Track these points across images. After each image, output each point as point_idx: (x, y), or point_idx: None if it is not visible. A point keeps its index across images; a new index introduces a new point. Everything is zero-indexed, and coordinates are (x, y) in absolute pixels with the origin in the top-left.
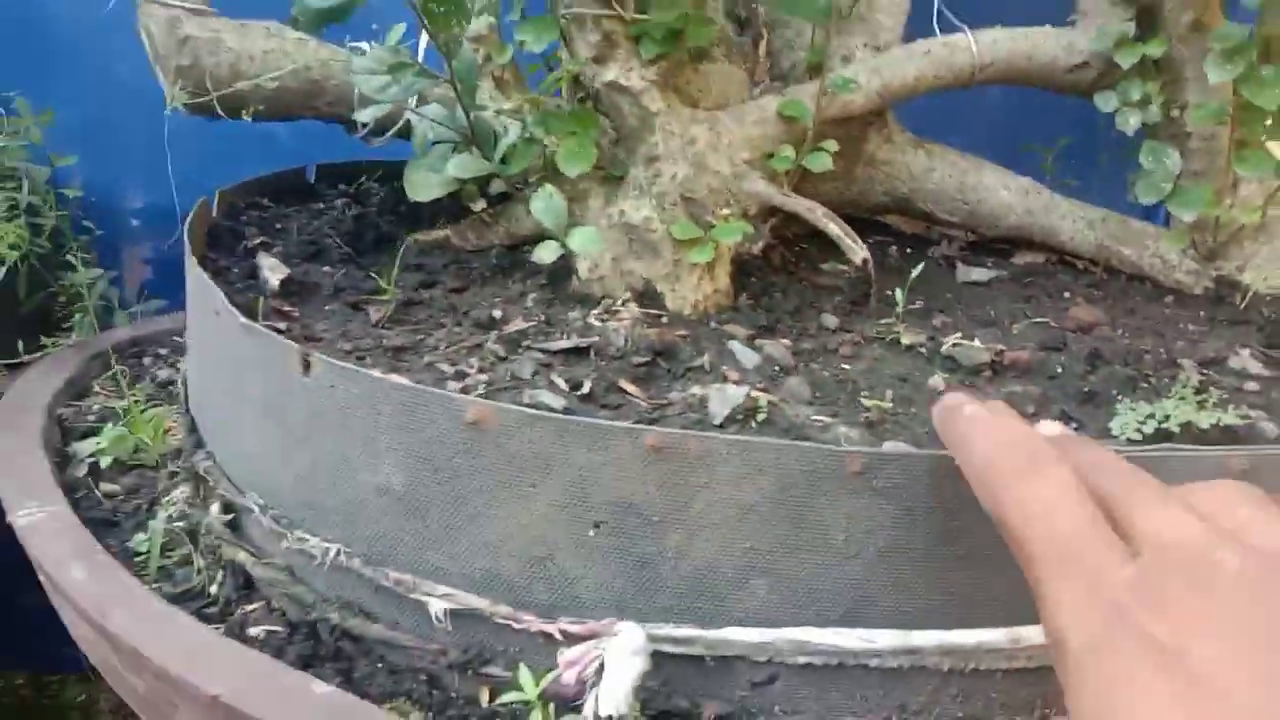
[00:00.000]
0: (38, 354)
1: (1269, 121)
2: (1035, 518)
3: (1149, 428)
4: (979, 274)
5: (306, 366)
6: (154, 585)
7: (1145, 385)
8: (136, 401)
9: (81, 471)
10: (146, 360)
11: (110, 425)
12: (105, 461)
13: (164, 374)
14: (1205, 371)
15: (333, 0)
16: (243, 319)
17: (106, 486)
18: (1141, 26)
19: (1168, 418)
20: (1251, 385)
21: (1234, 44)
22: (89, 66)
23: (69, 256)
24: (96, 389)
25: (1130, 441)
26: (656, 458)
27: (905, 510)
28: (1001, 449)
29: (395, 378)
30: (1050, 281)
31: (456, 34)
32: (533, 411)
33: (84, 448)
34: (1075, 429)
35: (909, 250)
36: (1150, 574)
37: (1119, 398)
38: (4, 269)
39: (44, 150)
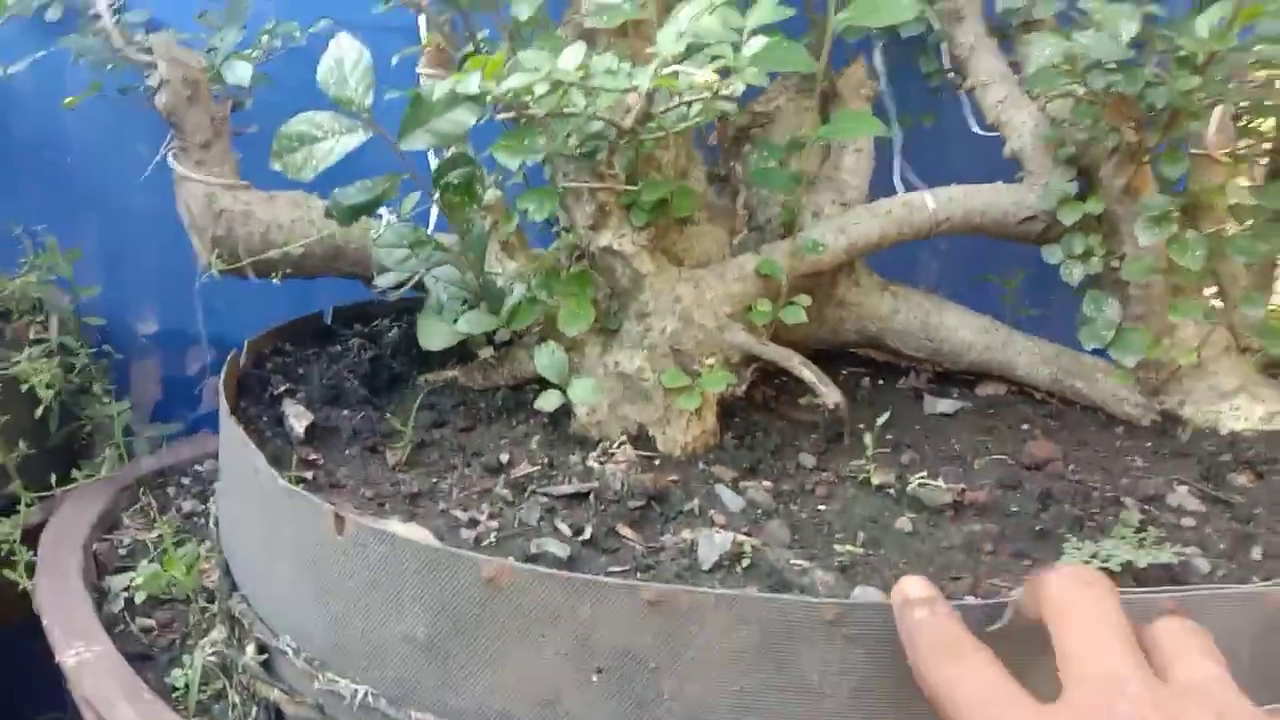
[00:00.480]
0: (68, 486)
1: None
2: (952, 690)
3: (1093, 567)
4: (945, 405)
5: (340, 527)
6: None
7: (1091, 523)
8: (165, 536)
9: (118, 606)
10: (171, 491)
11: (145, 561)
12: (140, 597)
13: (188, 505)
14: (1146, 508)
15: (362, 197)
16: (282, 481)
17: (142, 621)
18: (1082, 183)
19: (1109, 558)
20: (1188, 521)
21: (1160, 212)
22: (102, 189)
23: (95, 388)
24: (126, 522)
25: None
26: (652, 610)
27: (873, 653)
28: (933, 646)
29: (417, 528)
30: (1011, 412)
31: (470, 215)
32: (542, 570)
33: (118, 582)
34: (1027, 565)
35: (880, 382)
36: (1059, 707)
37: (1067, 536)
38: (41, 408)
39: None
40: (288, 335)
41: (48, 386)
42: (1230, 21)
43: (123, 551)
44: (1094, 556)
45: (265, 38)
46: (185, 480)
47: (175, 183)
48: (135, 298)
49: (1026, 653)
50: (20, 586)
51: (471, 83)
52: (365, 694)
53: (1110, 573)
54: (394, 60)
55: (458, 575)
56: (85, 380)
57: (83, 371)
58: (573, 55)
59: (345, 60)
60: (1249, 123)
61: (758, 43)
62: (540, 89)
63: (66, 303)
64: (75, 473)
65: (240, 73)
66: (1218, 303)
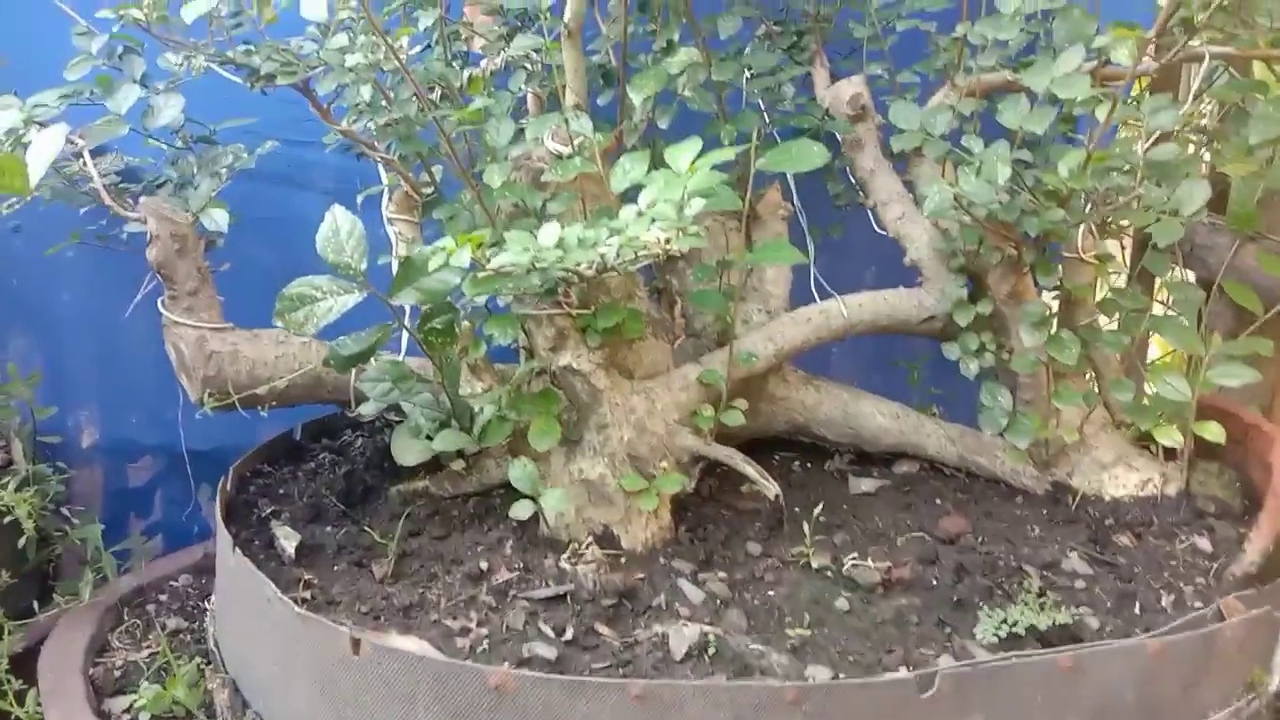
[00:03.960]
0: (49, 610)
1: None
2: None
3: (1003, 632)
4: (867, 484)
5: (356, 647)
6: None
7: (1000, 592)
8: (161, 655)
9: None
10: (151, 609)
11: (143, 682)
12: (144, 718)
13: (172, 623)
14: (1045, 574)
15: (357, 348)
16: (297, 609)
17: None
18: (972, 285)
19: (1016, 623)
20: (1080, 584)
21: (1039, 317)
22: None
23: (63, 510)
24: (115, 643)
25: (989, 646)
26: (640, 704)
27: None
28: None
29: (419, 642)
30: (925, 487)
31: (450, 354)
32: (541, 675)
33: (118, 704)
34: (948, 633)
35: (809, 465)
36: None
37: (980, 605)
38: (23, 539)
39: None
40: (264, 456)
41: (29, 516)
42: (1084, 164)
43: (117, 674)
44: (1004, 622)
45: (224, 170)
46: (163, 597)
47: (165, 328)
48: (78, 415)
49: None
50: (13, 715)
51: (463, 257)
52: None
53: (1018, 636)
54: (359, 199)
55: (466, 684)
56: (57, 502)
57: (54, 497)
58: (550, 233)
59: (341, 230)
60: (1112, 224)
61: (698, 204)
62: (523, 262)
63: (18, 422)
64: (55, 596)
65: (219, 220)
66: (1094, 386)
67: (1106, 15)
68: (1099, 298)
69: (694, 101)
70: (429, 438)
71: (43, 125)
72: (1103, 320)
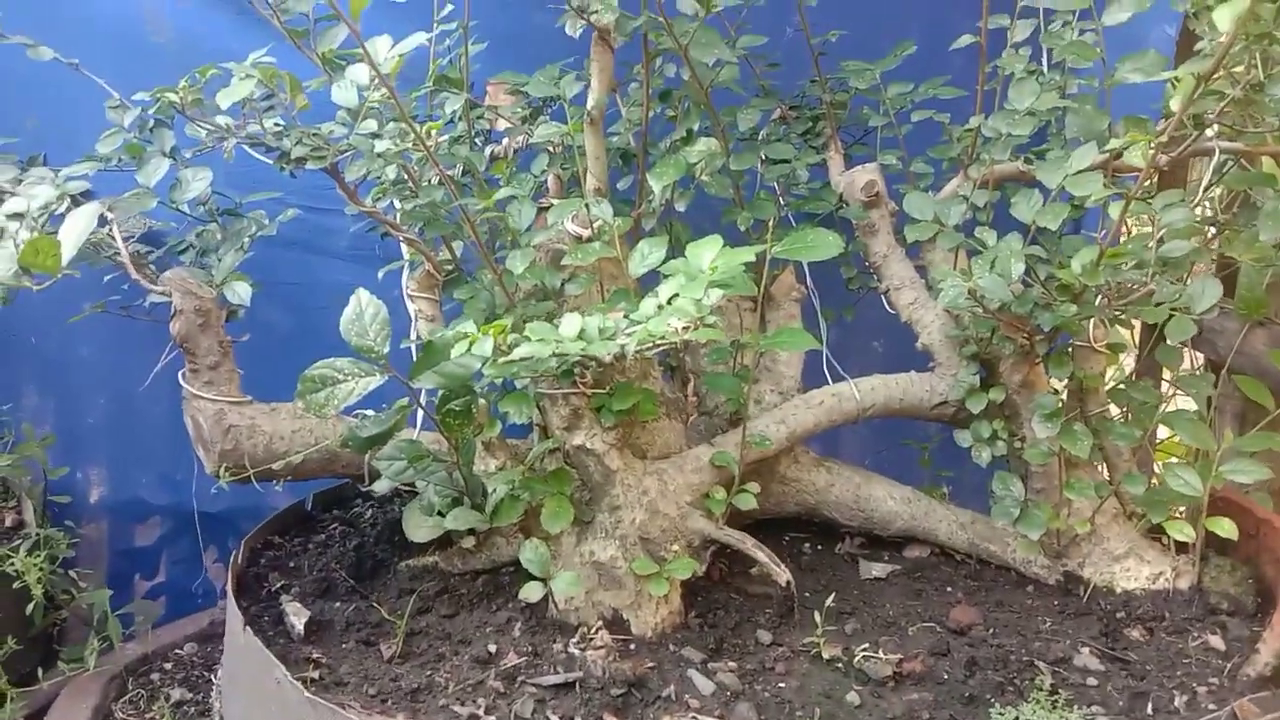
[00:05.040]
0: (54, 677)
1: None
2: None
3: None
4: (878, 569)
5: None
6: None
7: (1011, 688)
8: None
9: None
10: (155, 677)
11: None
12: None
13: (176, 694)
14: (1056, 670)
15: (376, 429)
16: (307, 694)
17: None
18: (984, 370)
19: None
20: (1092, 680)
21: (1050, 410)
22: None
23: (71, 573)
24: (119, 715)
25: None
26: None
27: None
28: None
29: None
30: (936, 574)
31: (467, 434)
32: None
33: None
34: None
35: (819, 547)
36: None
37: (992, 701)
38: (31, 605)
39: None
40: (276, 527)
41: (37, 582)
42: (1097, 260)
43: None
44: None
45: (247, 240)
46: (168, 666)
47: (184, 401)
48: (89, 473)
49: None
50: None
51: (485, 346)
52: None
53: None
54: (380, 275)
55: None
56: (65, 564)
57: (64, 561)
58: (572, 324)
59: (365, 313)
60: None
61: (716, 294)
62: (545, 354)
63: (30, 482)
64: (60, 662)
65: (242, 293)
66: (1105, 475)
67: (1115, 102)
68: (1108, 379)
69: (711, 187)
70: (441, 514)
71: (75, 200)
72: (1113, 409)
